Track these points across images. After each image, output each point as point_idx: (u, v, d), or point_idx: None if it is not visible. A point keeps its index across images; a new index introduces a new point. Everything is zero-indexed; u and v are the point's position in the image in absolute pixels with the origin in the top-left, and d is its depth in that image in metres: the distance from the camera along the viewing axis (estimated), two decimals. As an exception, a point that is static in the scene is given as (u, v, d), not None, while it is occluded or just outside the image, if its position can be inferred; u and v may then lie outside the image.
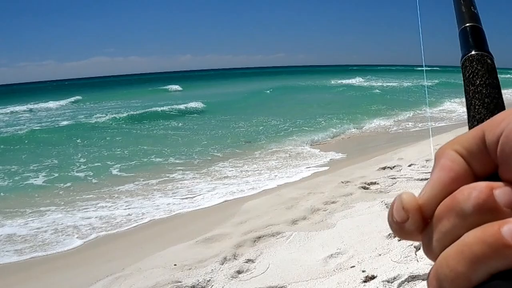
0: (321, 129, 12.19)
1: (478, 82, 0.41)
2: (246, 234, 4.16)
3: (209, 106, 20.09)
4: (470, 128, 0.36)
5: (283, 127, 13.39)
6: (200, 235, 4.25)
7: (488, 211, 0.25)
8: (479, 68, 0.42)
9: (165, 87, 39.96)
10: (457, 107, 17.01)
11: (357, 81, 38.93)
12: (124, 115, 17.88)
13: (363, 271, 3.17)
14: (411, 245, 3.43)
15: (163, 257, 3.89)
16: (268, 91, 27.99)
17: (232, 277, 3.42)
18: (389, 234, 3.75)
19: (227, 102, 21.91)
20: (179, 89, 38.46)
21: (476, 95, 0.40)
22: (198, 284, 3.38)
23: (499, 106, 0.39)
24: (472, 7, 0.48)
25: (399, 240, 3.62)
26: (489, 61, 0.43)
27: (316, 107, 18.40)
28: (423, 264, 3.13)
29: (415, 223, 0.28)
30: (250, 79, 55.25)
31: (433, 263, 0.28)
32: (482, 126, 0.28)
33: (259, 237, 4.04)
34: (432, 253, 0.28)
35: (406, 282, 2.96)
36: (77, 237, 5.05)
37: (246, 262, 3.60)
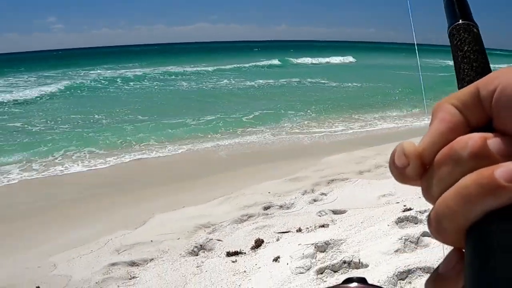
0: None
1: (466, 48, 0.42)
2: (322, 178, 5.54)
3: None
4: (459, 89, 0.37)
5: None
6: (288, 176, 5.71)
7: (483, 158, 0.28)
8: (466, 36, 0.43)
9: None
10: None
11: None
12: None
13: (404, 205, 4.40)
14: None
15: (261, 187, 5.41)
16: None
17: (309, 202, 4.84)
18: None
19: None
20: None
21: (465, 60, 0.41)
22: (284, 205, 4.86)
23: (487, 69, 0.40)
24: None
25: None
26: (475, 30, 0.44)
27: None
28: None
29: (415, 168, 0.31)
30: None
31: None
32: (477, 84, 0.31)
33: (332, 180, 5.40)
34: (431, 197, 0.31)
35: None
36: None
37: (320, 194, 5.00)
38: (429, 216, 0.30)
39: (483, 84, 0.31)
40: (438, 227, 0.30)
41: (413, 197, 4.62)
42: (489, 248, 0.26)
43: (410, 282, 3.00)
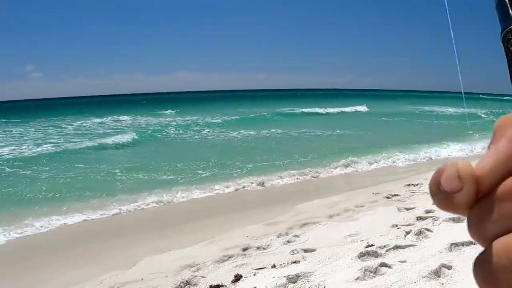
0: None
1: None
2: (297, 222, 6.10)
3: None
4: None
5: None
6: (266, 221, 6.26)
7: None
8: None
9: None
10: None
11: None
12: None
13: (367, 243, 4.98)
14: (404, 230, 5.15)
15: (241, 231, 5.93)
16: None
17: (283, 243, 5.37)
18: (393, 224, 5.48)
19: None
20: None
21: None
22: (261, 246, 5.37)
23: None
24: None
25: (398, 228, 5.35)
26: None
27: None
28: (408, 241, 4.85)
29: (469, 195, 0.25)
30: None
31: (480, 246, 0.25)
32: None
33: (305, 224, 5.97)
34: (481, 234, 0.25)
35: (391, 249, 4.71)
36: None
37: (294, 236, 5.55)
38: (476, 261, 0.25)
39: None
40: (489, 279, 0.24)
41: (375, 235, 5.20)
42: None
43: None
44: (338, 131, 19.91)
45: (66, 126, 26.98)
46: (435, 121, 26.08)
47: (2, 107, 65.12)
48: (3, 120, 32.21)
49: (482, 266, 0.25)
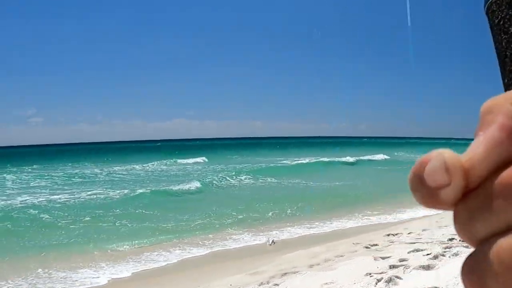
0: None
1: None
2: (278, 271, 6.44)
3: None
4: (506, 84, 0.32)
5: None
6: (250, 271, 6.60)
7: None
8: (510, 13, 0.34)
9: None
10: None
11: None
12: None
13: (340, 290, 5.31)
14: (376, 278, 5.48)
15: (226, 281, 6.27)
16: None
17: (264, 292, 5.70)
18: (367, 273, 5.82)
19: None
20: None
21: (511, 45, 0.33)
22: (244, 295, 5.69)
23: None
24: None
25: (370, 276, 5.68)
26: None
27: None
28: (378, 288, 5.18)
29: (457, 190, 0.22)
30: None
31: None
32: None
33: (286, 273, 6.30)
34: (470, 234, 0.22)
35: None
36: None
37: (274, 285, 5.88)
38: (465, 264, 0.23)
39: None
40: (478, 284, 0.22)
41: (349, 284, 5.54)
42: None
43: None
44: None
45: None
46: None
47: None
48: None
49: (470, 270, 0.22)
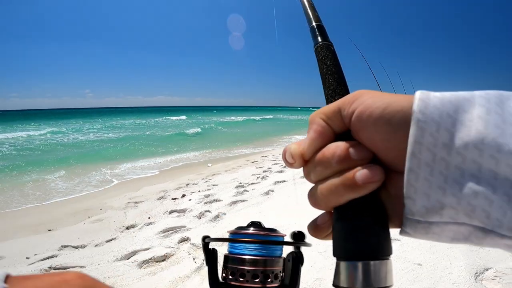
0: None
1: (329, 62, 0.55)
2: (210, 173, 12.85)
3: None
4: (326, 95, 0.51)
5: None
6: (198, 172, 12.93)
7: (346, 163, 0.41)
8: (327, 53, 0.56)
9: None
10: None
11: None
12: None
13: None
14: (256, 176, 12.19)
15: (187, 176, 12.52)
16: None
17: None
18: (252, 174, 12.53)
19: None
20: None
21: (329, 72, 0.53)
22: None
23: (343, 80, 0.52)
24: (315, 11, 0.64)
25: (252, 175, 12.37)
26: (332, 48, 0.57)
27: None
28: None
29: (299, 164, 0.46)
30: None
31: None
32: (338, 104, 0.43)
33: (214, 174, 12.76)
34: (309, 179, 0.46)
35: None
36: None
37: (209, 179, 12.31)
38: (310, 192, 0.46)
39: (343, 104, 0.43)
40: (315, 203, 0.45)
41: (245, 178, 12.11)
42: (345, 216, 0.43)
43: None
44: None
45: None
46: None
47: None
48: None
49: (310, 194, 0.45)
